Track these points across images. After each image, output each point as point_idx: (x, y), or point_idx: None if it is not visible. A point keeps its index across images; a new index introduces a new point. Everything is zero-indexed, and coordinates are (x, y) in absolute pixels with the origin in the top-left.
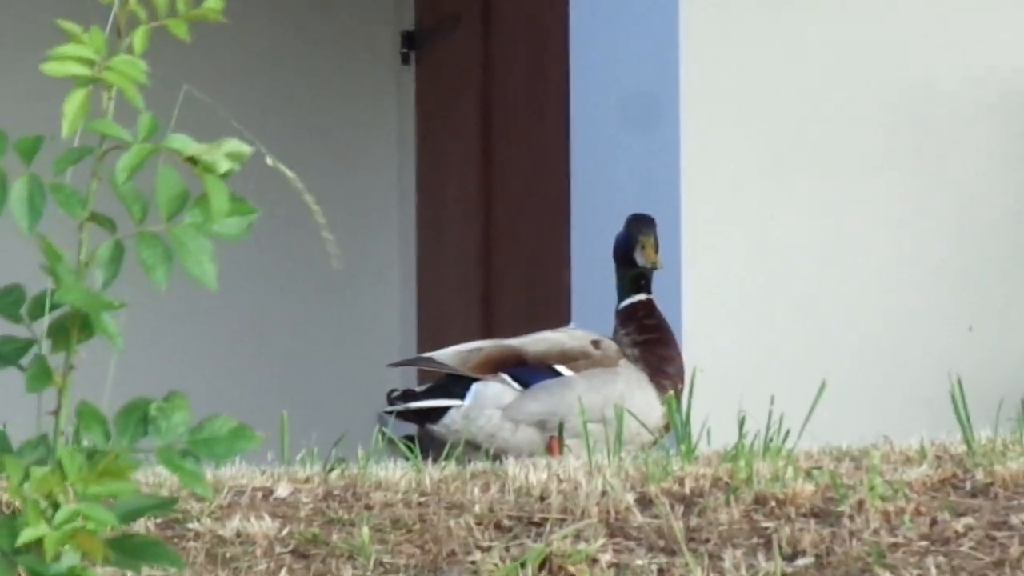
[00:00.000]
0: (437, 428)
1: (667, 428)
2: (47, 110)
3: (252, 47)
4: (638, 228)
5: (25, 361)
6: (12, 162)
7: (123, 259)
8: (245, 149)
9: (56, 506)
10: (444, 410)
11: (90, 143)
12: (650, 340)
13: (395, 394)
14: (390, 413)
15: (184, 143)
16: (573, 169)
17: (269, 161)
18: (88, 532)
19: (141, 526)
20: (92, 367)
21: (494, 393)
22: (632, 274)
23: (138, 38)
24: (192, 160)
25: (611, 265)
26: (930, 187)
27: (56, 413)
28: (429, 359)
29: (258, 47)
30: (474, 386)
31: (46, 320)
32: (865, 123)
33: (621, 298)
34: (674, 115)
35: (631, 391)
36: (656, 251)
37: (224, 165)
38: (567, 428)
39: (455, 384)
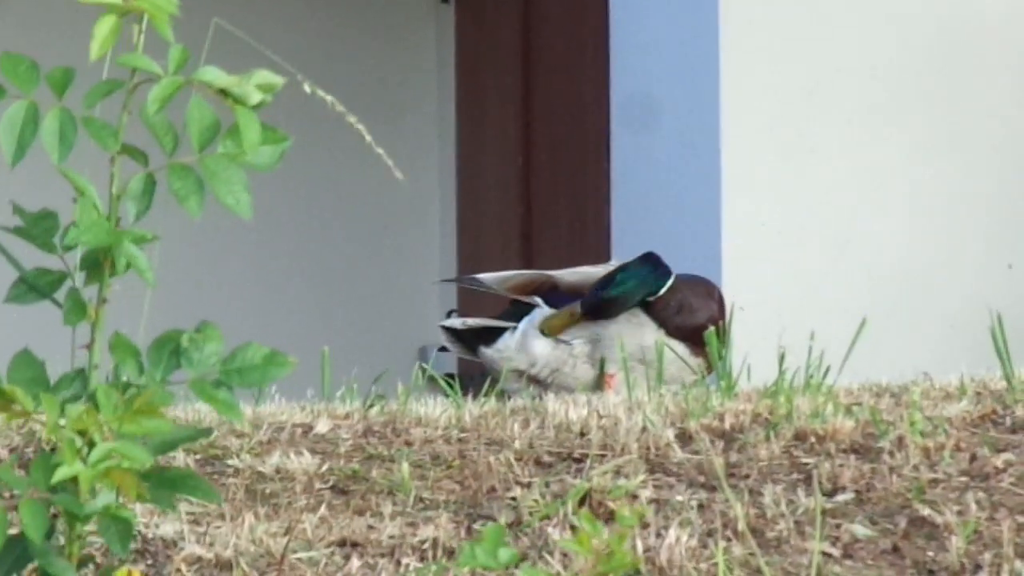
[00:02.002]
0: (490, 352)
1: (709, 370)
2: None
3: None
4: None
5: (58, 294)
6: (43, 94)
7: (155, 191)
8: (276, 80)
9: (92, 443)
10: (499, 334)
11: (118, 78)
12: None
13: (454, 312)
14: (446, 328)
15: (215, 75)
16: (613, 106)
17: (307, 87)
18: (123, 470)
19: (180, 463)
20: (128, 300)
21: (542, 316)
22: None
23: None
24: (223, 92)
25: (651, 203)
26: (970, 122)
27: (90, 347)
28: (473, 279)
29: None
30: (527, 315)
31: (79, 252)
32: (904, 58)
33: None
34: (714, 53)
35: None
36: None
37: (255, 97)
38: (609, 361)
39: (509, 315)
